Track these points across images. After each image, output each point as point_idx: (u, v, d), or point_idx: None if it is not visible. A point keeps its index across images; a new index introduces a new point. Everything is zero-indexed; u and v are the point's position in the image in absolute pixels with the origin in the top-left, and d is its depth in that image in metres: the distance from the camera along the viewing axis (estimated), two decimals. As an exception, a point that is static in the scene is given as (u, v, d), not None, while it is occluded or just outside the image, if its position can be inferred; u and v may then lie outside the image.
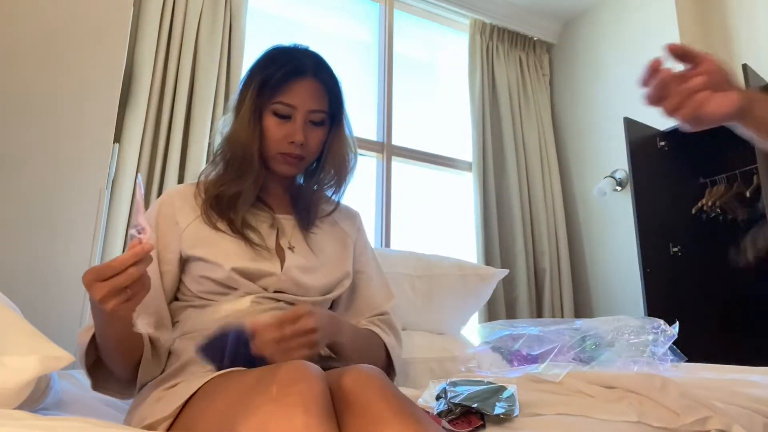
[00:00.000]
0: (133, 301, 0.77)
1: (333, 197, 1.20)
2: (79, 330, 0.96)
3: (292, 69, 1.06)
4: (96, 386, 0.98)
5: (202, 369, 0.93)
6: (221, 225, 1.05)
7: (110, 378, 0.98)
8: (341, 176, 1.16)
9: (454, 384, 1.05)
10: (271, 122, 1.06)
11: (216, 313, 1.00)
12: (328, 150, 1.13)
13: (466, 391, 1.01)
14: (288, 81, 1.05)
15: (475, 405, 0.94)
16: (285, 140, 1.06)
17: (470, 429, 0.91)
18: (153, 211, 1.07)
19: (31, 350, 0.75)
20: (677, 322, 1.46)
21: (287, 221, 1.13)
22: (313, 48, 1.15)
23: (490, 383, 1.06)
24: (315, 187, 1.17)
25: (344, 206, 1.26)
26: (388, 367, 1.16)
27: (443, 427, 0.91)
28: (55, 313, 1.53)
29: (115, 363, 0.95)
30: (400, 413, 0.70)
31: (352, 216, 1.27)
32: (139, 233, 0.77)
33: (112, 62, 1.79)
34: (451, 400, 0.96)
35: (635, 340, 1.44)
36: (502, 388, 1.03)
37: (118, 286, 0.74)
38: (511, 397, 1.00)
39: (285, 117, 1.06)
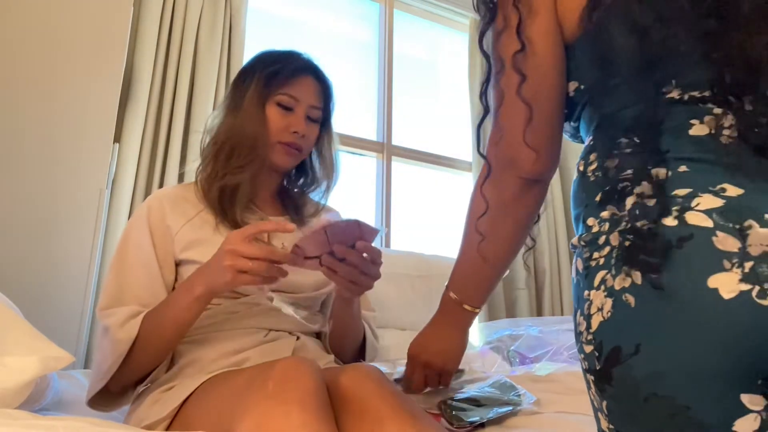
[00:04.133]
0: (245, 277, 0.82)
1: (321, 200, 1.24)
2: (111, 330, 0.94)
3: (300, 66, 1.14)
4: (96, 400, 0.97)
5: (198, 371, 0.93)
6: (222, 227, 1.05)
7: (110, 392, 0.98)
8: (329, 178, 1.21)
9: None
10: (274, 112, 1.10)
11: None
12: (318, 150, 1.19)
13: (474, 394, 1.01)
14: (296, 76, 1.12)
15: (476, 418, 0.92)
16: (287, 130, 1.10)
17: (469, 429, 0.91)
18: (142, 214, 1.06)
19: (31, 350, 0.75)
20: None
21: (278, 222, 1.14)
22: (313, 48, 1.20)
23: (495, 389, 1.04)
24: (304, 190, 1.22)
25: (325, 207, 1.29)
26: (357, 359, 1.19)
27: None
28: (55, 313, 1.53)
29: (147, 359, 0.94)
30: (398, 410, 0.70)
31: (333, 215, 1.29)
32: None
33: (112, 62, 1.79)
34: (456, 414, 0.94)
35: None
36: (511, 388, 1.02)
37: (249, 252, 0.80)
38: (517, 392, 1.00)
39: (287, 109, 1.10)
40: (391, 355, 1.60)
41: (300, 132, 1.10)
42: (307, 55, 1.17)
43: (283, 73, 1.11)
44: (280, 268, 0.84)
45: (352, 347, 1.15)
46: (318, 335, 1.15)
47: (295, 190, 1.22)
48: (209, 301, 0.91)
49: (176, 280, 1.04)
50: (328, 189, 1.22)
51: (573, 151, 3.26)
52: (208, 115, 2.22)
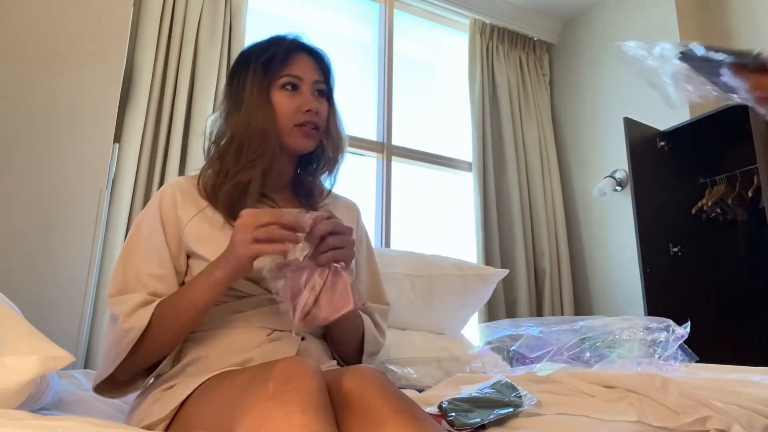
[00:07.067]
0: (264, 246, 0.84)
1: (327, 181, 1.20)
2: (117, 320, 0.93)
3: (292, 44, 1.11)
4: (103, 387, 0.96)
5: (202, 370, 0.93)
6: (228, 226, 1.03)
7: (117, 381, 0.97)
8: (335, 157, 1.16)
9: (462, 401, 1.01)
10: (281, 97, 1.07)
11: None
12: (326, 128, 1.15)
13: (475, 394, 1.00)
14: (292, 55, 1.09)
15: (477, 420, 0.92)
16: (299, 110, 1.07)
17: (470, 430, 0.90)
18: (155, 202, 1.05)
19: (31, 350, 0.75)
20: (689, 322, 1.44)
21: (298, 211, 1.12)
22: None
23: (496, 390, 1.04)
24: (315, 174, 1.18)
25: (343, 198, 1.25)
26: (359, 352, 1.15)
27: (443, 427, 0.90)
28: (55, 313, 1.53)
29: (157, 347, 0.93)
30: (401, 412, 0.70)
31: (351, 209, 1.26)
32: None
33: (112, 62, 1.79)
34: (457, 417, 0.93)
35: (648, 337, 1.42)
36: (512, 389, 1.02)
37: (261, 221, 0.84)
38: (518, 394, 1.00)
39: (294, 89, 1.08)
40: (391, 354, 1.60)
41: (313, 109, 1.07)
42: (294, 34, 1.14)
43: (278, 56, 1.08)
44: (293, 233, 0.86)
45: (352, 334, 1.11)
46: (324, 337, 1.13)
47: (309, 177, 1.18)
48: (228, 285, 0.91)
49: (186, 273, 1.03)
50: (335, 168, 1.18)
51: (574, 154, 3.27)
52: (207, 115, 2.22)
